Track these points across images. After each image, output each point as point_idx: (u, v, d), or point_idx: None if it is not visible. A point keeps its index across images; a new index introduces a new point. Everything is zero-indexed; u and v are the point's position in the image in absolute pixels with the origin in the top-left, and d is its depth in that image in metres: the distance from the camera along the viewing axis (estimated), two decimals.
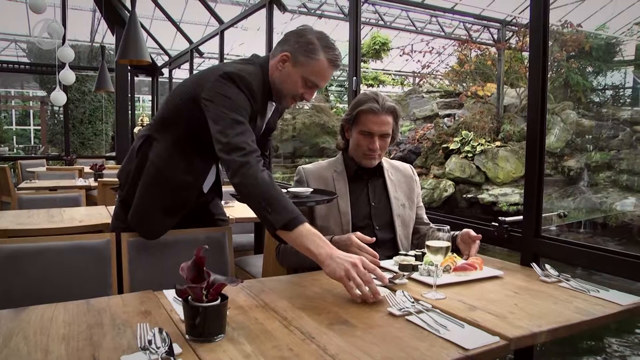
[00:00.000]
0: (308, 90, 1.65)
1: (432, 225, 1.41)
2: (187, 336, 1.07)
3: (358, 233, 1.69)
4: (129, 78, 8.39)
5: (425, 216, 2.05)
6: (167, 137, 1.73)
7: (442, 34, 12.36)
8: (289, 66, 1.61)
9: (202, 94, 1.57)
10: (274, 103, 1.76)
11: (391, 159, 2.12)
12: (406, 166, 2.07)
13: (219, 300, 1.07)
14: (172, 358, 0.96)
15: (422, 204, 2.06)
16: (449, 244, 1.38)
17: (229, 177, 1.49)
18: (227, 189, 3.27)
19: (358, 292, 1.30)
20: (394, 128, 1.87)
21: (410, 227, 1.96)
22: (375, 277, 1.34)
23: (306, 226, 1.40)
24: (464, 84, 13.03)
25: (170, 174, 1.73)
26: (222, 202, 2.28)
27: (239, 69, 1.60)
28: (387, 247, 1.85)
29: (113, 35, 7.80)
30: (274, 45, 1.72)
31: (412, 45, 14.06)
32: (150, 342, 1.00)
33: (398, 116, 1.88)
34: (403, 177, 2.00)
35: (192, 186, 1.80)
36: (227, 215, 2.62)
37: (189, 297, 1.06)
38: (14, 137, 15.91)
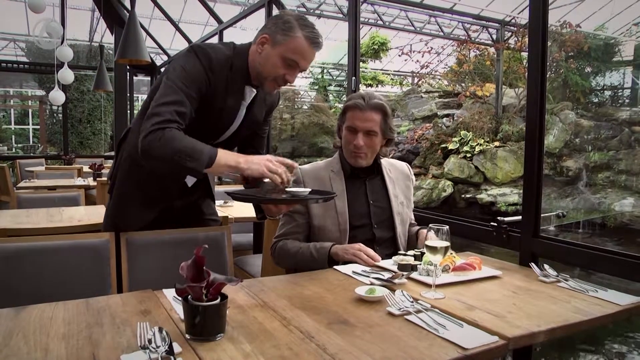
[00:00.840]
0: (289, 70, 1.63)
1: (430, 225, 1.41)
2: (186, 335, 1.07)
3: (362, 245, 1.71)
4: (128, 77, 8.37)
5: (412, 216, 2.05)
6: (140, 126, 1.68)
7: (441, 34, 12.39)
8: (268, 48, 1.61)
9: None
10: (254, 90, 1.74)
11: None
12: (403, 164, 2.07)
13: (218, 300, 1.07)
14: (172, 357, 0.97)
15: (413, 204, 2.06)
16: (448, 243, 1.38)
17: (140, 140, 1.50)
18: (223, 188, 3.28)
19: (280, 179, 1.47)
20: (383, 126, 1.84)
21: (407, 225, 1.96)
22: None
23: (221, 152, 1.49)
24: (463, 84, 13.04)
25: (142, 163, 1.64)
26: (222, 202, 2.29)
27: (206, 44, 1.66)
28: (386, 245, 1.86)
29: (112, 34, 7.78)
30: None
31: (411, 45, 14.08)
32: (150, 341, 1.00)
33: (387, 114, 1.85)
34: (401, 175, 2.01)
35: (167, 176, 1.77)
36: (227, 215, 2.63)
37: (189, 296, 1.07)
38: (13, 136, 15.87)
